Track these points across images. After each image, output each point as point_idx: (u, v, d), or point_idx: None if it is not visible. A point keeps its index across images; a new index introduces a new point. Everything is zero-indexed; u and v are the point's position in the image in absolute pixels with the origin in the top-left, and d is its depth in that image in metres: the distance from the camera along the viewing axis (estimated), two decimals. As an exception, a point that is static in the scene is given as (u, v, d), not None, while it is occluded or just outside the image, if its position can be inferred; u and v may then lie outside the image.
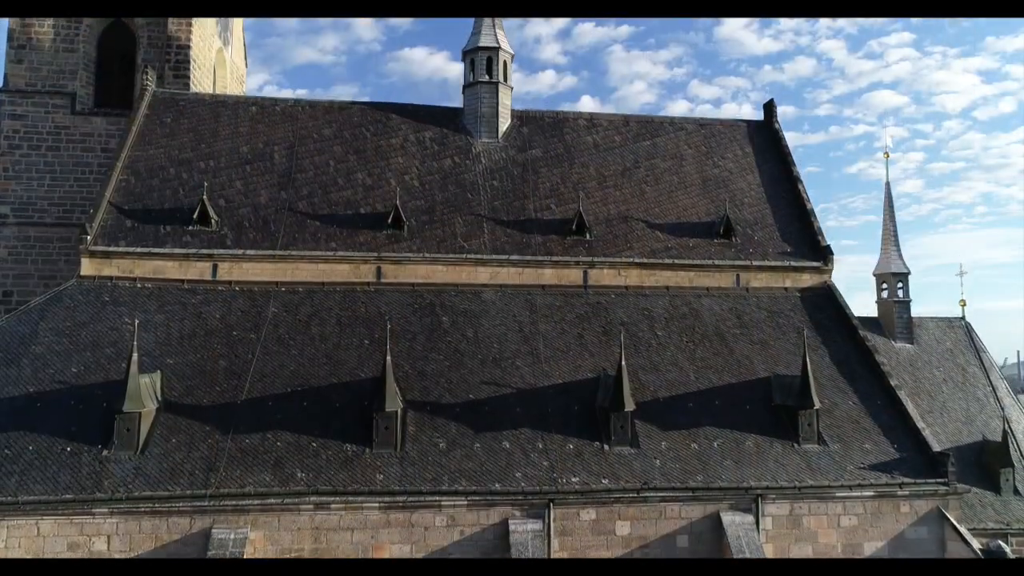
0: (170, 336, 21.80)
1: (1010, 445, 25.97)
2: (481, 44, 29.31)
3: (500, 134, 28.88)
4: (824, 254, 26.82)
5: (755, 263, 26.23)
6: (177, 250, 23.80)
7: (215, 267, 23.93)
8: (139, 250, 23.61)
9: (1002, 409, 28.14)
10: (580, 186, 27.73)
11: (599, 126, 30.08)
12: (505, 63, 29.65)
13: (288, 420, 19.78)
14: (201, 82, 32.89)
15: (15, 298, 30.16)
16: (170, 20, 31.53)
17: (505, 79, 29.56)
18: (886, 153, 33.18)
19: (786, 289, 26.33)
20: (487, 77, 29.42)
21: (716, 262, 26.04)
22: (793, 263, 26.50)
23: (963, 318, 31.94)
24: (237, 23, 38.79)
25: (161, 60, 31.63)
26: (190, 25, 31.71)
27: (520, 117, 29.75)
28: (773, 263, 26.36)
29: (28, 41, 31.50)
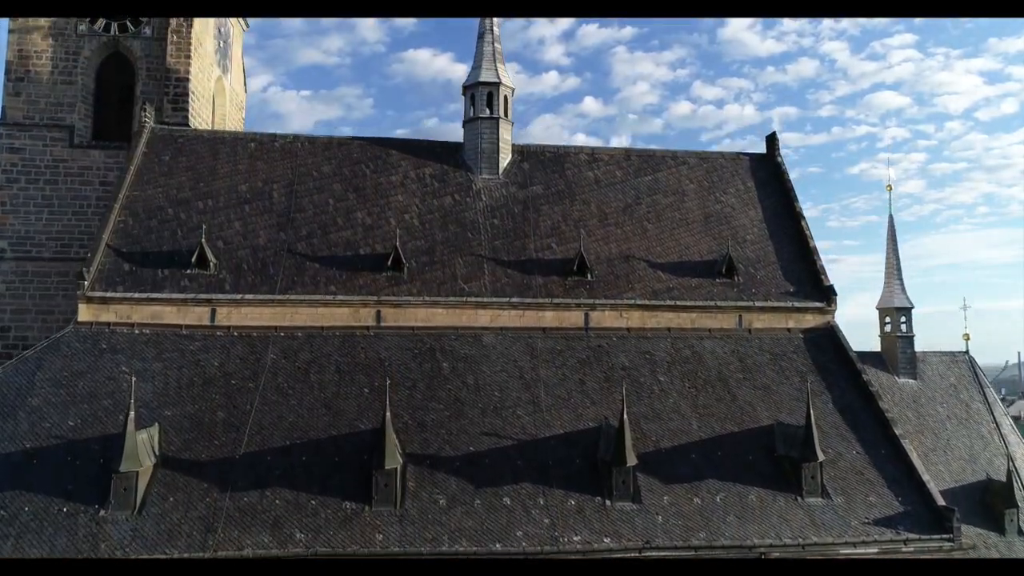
0: (168, 386, 21.61)
1: (1015, 485, 25.79)
2: (482, 79, 29.12)
3: (501, 170, 28.69)
4: (827, 294, 26.64)
5: (757, 304, 26.04)
6: (175, 295, 23.62)
7: (213, 312, 23.75)
8: (137, 295, 23.43)
9: (1006, 447, 27.97)
10: (581, 224, 27.54)
11: (600, 161, 29.89)
12: (506, 98, 29.46)
13: (287, 476, 19.59)
14: (200, 113, 32.71)
15: (12, 333, 30.02)
16: (169, 53, 31.37)
17: (506, 114, 29.38)
18: (889, 186, 32.89)
19: (789, 330, 26.14)
20: (488, 112, 29.24)
21: (718, 303, 25.84)
22: (796, 304, 26.31)
23: (967, 352, 31.75)
24: (236, 50, 38.61)
25: (160, 93, 31.44)
26: (188, 57, 31.52)
27: (521, 152, 29.57)
28: (776, 304, 26.17)
29: (26, 73, 31.32)
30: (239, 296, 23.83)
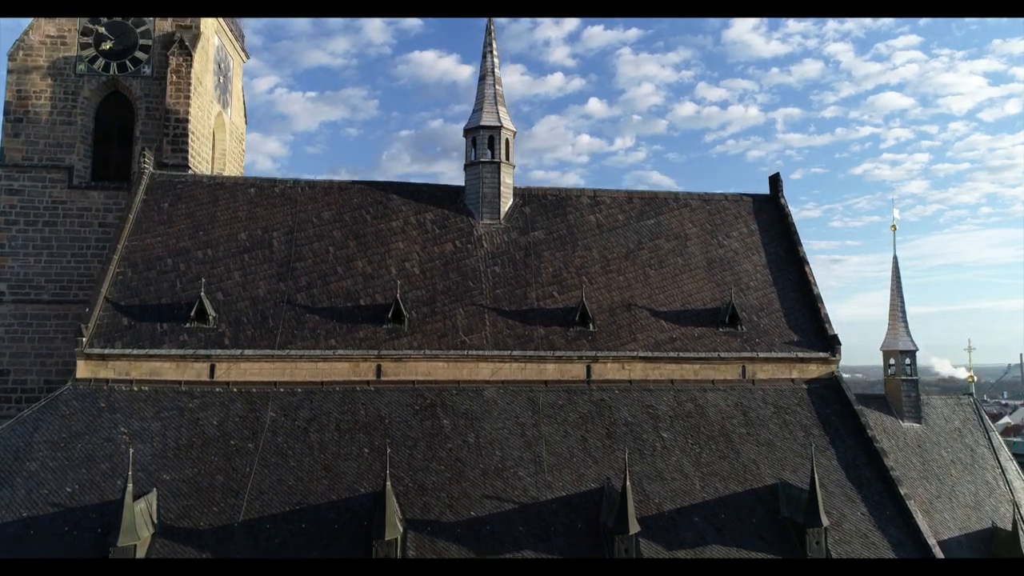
0: (166, 447, 21.43)
1: (1020, 534, 25.57)
2: (483, 123, 28.93)
3: (502, 215, 28.50)
4: (831, 343, 26.42)
5: (761, 355, 25.84)
6: (174, 351, 23.44)
7: (213, 367, 23.58)
8: (135, 352, 23.25)
9: (1012, 493, 27.74)
10: (583, 271, 27.35)
11: (602, 204, 29.69)
12: (507, 141, 29.27)
13: (286, 544, 19.41)
14: (200, 152, 32.54)
15: (11, 377, 29.89)
16: (168, 93, 31.20)
17: (507, 157, 29.20)
18: (894, 226, 32.63)
19: (792, 380, 25.94)
20: (489, 155, 29.06)
21: (721, 354, 25.64)
22: (800, 354, 26.10)
23: (971, 393, 31.53)
24: (236, 83, 38.43)
25: (159, 133, 31.29)
26: (188, 98, 31.35)
27: (522, 195, 29.37)
28: (780, 354, 25.97)
29: (25, 114, 31.19)
30: (238, 352, 23.65)
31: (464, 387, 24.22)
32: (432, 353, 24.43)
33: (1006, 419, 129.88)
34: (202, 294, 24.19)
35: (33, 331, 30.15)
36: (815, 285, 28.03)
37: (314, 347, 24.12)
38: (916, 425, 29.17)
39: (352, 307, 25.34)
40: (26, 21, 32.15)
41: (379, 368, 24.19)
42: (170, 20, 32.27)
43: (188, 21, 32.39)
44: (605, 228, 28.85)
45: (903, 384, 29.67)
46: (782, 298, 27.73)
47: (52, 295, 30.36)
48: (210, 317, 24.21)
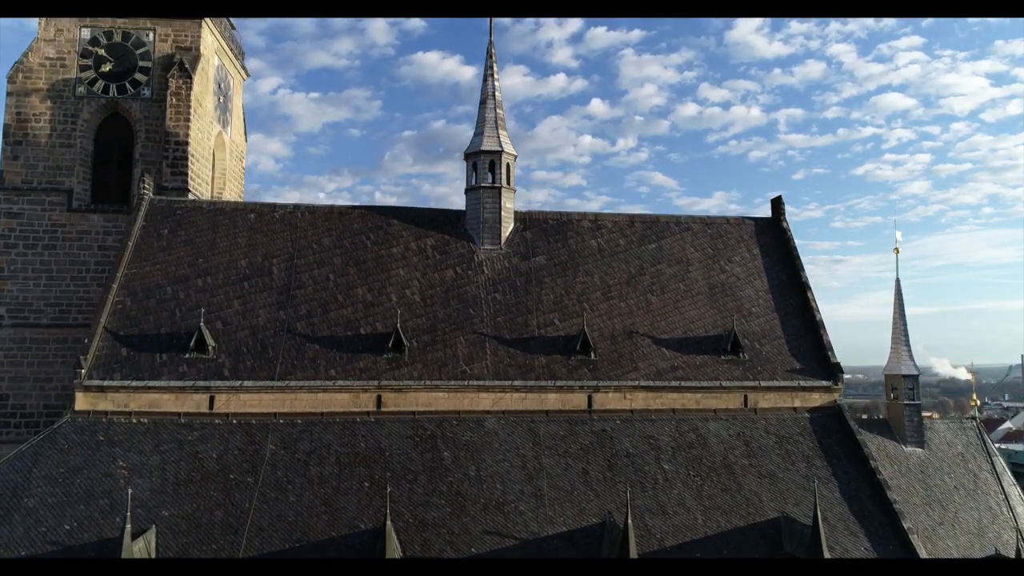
0: (165, 482, 21.31)
1: (1024, 562, 25.42)
2: (484, 148, 28.81)
3: (503, 240, 28.37)
4: (833, 372, 26.29)
5: (763, 384, 25.71)
6: (174, 382, 23.33)
7: (212, 399, 23.47)
8: (134, 384, 23.15)
9: (1015, 519, 27.59)
10: (584, 297, 27.23)
11: (603, 228, 29.56)
12: (508, 165, 29.15)
13: (286, 583, 19.25)
14: (200, 174, 32.43)
15: (11, 402, 29.78)
16: (168, 116, 31.08)
17: (508, 182, 29.09)
18: (896, 249, 32.49)
19: (795, 409, 25.80)
20: (490, 179, 28.95)
21: (723, 383, 25.51)
22: (802, 382, 25.98)
23: (974, 418, 31.39)
24: (236, 101, 38.31)
25: (159, 156, 31.17)
26: (188, 120, 31.24)
27: (523, 220, 29.25)
28: (782, 383, 25.84)
29: (24, 137, 31.08)
30: (238, 383, 23.53)
31: (465, 417, 24.10)
32: (433, 383, 24.31)
33: (1007, 424, 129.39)
34: (201, 324, 24.07)
35: (32, 355, 30.04)
36: (817, 311, 27.89)
37: (314, 377, 24.01)
38: (919, 450, 29.02)
39: (352, 336, 25.21)
40: (25, 43, 32.11)
41: (379, 399, 24.07)
42: (170, 41, 32.17)
43: (188, 42, 32.30)
44: (606, 253, 28.72)
45: (905, 409, 29.53)
46: (784, 324, 27.59)
47: (51, 319, 30.25)
48: (209, 347, 24.10)
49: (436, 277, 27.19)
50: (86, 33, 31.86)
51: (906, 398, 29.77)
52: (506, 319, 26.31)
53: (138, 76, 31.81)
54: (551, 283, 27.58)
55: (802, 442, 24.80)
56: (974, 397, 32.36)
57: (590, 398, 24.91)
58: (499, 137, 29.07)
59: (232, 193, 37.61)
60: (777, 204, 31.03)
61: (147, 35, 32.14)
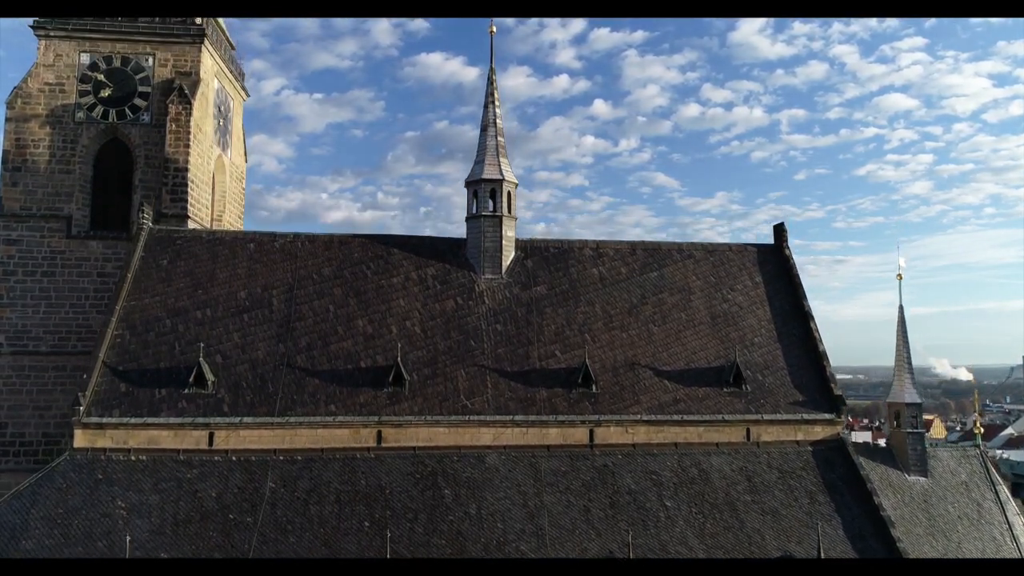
0: (164, 523, 21.17)
1: (1028, 595, 25.25)
2: (484, 176, 28.66)
3: (504, 269, 28.22)
4: (836, 404, 26.14)
5: (766, 417, 25.55)
6: (173, 419, 23.19)
7: (211, 435, 23.32)
8: (133, 420, 23.00)
9: (1019, 550, 27.45)
10: (585, 328, 27.07)
11: (605, 256, 29.40)
12: (509, 193, 29.01)
13: (285, 629, 19.11)
14: (200, 199, 32.29)
15: (10, 430, 29.65)
16: (167, 142, 30.95)
17: (509, 210, 28.94)
18: (899, 275, 32.32)
19: (797, 443, 25.64)
20: (491, 207, 28.80)
21: (726, 417, 25.35)
22: (805, 415, 25.82)
23: (977, 446, 31.24)
24: (236, 122, 38.16)
25: (158, 182, 31.04)
26: (187, 146, 31.10)
27: (524, 248, 29.09)
28: (785, 416, 25.68)
29: (23, 163, 30.94)
30: (237, 419, 23.40)
31: (466, 453, 23.96)
32: (433, 419, 24.16)
33: (1009, 430, 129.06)
34: (201, 359, 23.94)
35: (31, 383, 29.91)
36: (820, 342, 27.73)
37: (314, 413, 23.86)
38: (922, 479, 28.85)
39: (352, 369, 25.07)
40: (24, 68, 31.97)
41: (379, 434, 23.93)
42: (169, 66, 32.04)
43: (188, 67, 32.16)
44: (608, 282, 28.56)
45: (909, 437, 29.38)
46: (787, 355, 27.44)
47: (50, 347, 30.12)
48: (209, 382, 23.96)
49: (437, 308, 27.04)
50: (85, 58, 31.73)
51: (909, 426, 29.61)
52: (507, 351, 26.15)
53: (137, 101, 31.68)
54: (552, 313, 27.42)
55: (805, 477, 24.64)
56: (977, 424, 32.14)
57: (591, 432, 24.76)
58: (500, 165, 28.92)
59: (232, 215, 37.50)
60: (779, 231, 30.85)
61: (146, 60, 32.01)
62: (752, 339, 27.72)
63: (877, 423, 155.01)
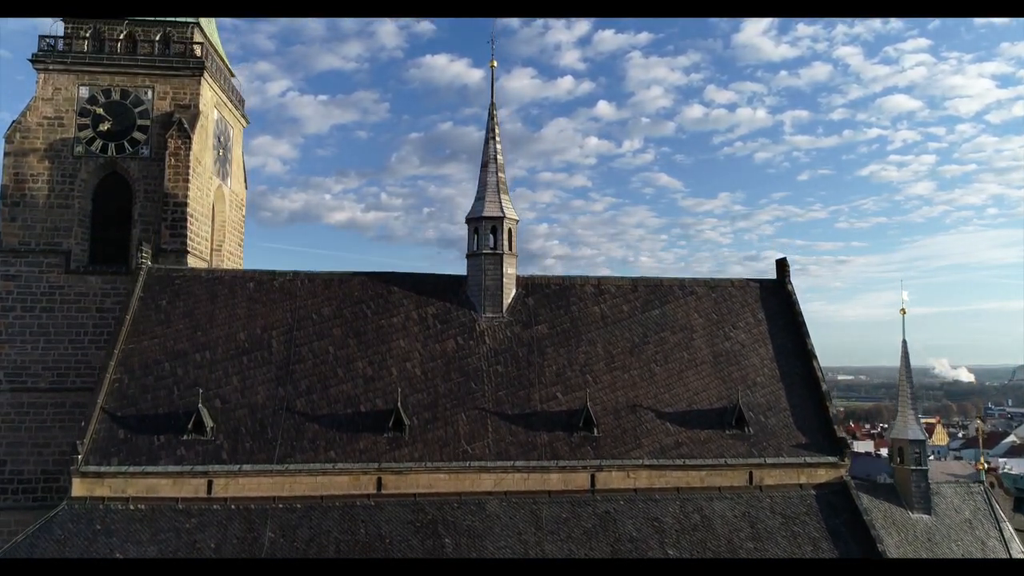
0: (163, 576, 20.99)
1: (1033, 638, 25.04)
2: (485, 213, 28.51)
3: (504, 307, 28.06)
4: (840, 447, 25.96)
5: (769, 460, 25.37)
6: (171, 467, 23.03)
7: (210, 483, 23.15)
8: (132, 469, 22.83)
9: (1023, 590, 27.20)
10: (587, 368, 26.90)
11: (607, 293, 29.22)
12: (510, 230, 28.84)
13: None
14: (199, 232, 32.15)
15: (8, 467, 29.50)
16: (167, 177, 30.79)
17: (510, 247, 28.78)
18: (903, 310, 32.05)
19: (800, 486, 25.47)
20: (492, 244, 28.64)
21: (728, 461, 25.17)
22: (808, 459, 25.64)
23: (981, 482, 31.03)
24: (236, 150, 38.00)
25: (158, 217, 30.89)
26: (187, 181, 30.95)
27: (526, 286, 28.92)
28: (788, 459, 25.51)
29: (22, 197, 30.81)
30: (236, 467, 23.23)
31: (466, 500, 23.79)
32: (434, 465, 23.99)
33: (1012, 437, 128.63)
34: (200, 405, 23.78)
35: (30, 420, 29.76)
36: (823, 381, 27.56)
37: (313, 460, 23.70)
38: (926, 517, 28.66)
39: (352, 414, 24.91)
40: (23, 102, 31.85)
41: (379, 480, 23.77)
42: (168, 99, 31.90)
43: (187, 99, 32.02)
44: (610, 320, 28.38)
45: (912, 474, 29.20)
46: (789, 395, 27.26)
47: (49, 383, 29.97)
48: (208, 428, 23.80)
49: (437, 348, 26.86)
50: (84, 91, 31.60)
51: (913, 463, 29.42)
52: (508, 393, 25.99)
53: (136, 135, 31.54)
54: (553, 353, 27.25)
55: (808, 523, 24.46)
56: (981, 461, 31.94)
57: (593, 477, 24.59)
58: (500, 202, 28.76)
59: (232, 243, 37.36)
60: (782, 266, 30.66)
61: (145, 93, 31.88)
62: (754, 379, 27.54)
63: (879, 429, 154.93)
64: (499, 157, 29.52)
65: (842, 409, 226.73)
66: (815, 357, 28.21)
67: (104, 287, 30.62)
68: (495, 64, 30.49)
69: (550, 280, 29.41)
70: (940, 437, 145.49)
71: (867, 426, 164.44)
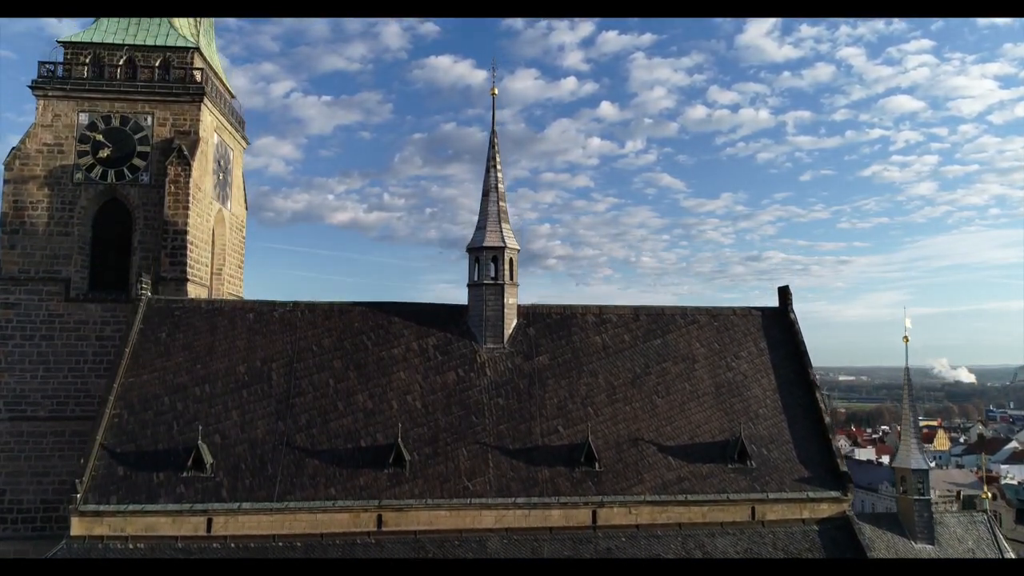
0: (162, 618, 20.87)
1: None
2: (486, 243, 28.37)
3: (505, 338, 27.93)
4: (843, 482, 25.81)
5: (771, 495, 25.22)
6: (171, 505, 22.90)
7: (210, 521, 23.02)
8: (131, 508, 22.70)
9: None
10: (588, 401, 26.76)
11: (608, 323, 29.07)
12: (511, 260, 28.70)
13: None
14: (199, 259, 32.05)
15: (8, 497, 29.44)
16: (167, 204, 30.69)
17: (511, 277, 28.64)
18: (906, 338, 31.87)
19: (803, 521, 25.31)
20: (492, 274, 28.51)
21: (731, 496, 25.03)
22: (811, 494, 25.49)
23: (985, 511, 30.86)
24: (236, 172, 37.90)
25: (157, 244, 30.80)
26: (187, 208, 30.86)
27: (527, 315, 28.79)
28: (790, 494, 25.35)
29: (21, 225, 30.73)
30: (236, 505, 23.10)
31: (467, 537, 23.65)
32: (434, 502, 23.85)
33: (1013, 443, 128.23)
34: (199, 442, 23.66)
35: (30, 449, 29.71)
36: (826, 413, 27.42)
37: (313, 497, 23.57)
38: (929, 547, 28.49)
39: (353, 449, 24.78)
40: (22, 129, 31.74)
41: (380, 518, 23.63)
42: (168, 125, 31.82)
43: (187, 125, 31.93)
44: (611, 351, 28.25)
45: (916, 504, 29.05)
46: (792, 426, 27.11)
47: (49, 412, 29.91)
48: (207, 464, 23.68)
49: (438, 381, 26.73)
50: (84, 118, 31.52)
51: (916, 493, 29.27)
52: (509, 427, 25.85)
53: (136, 161, 31.46)
54: (555, 385, 27.11)
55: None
56: (985, 491, 31.79)
57: (595, 513, 24.44)
58: (502, 232, 28.63)
59: (232, 264, 37.26)
60: (784, 294, 30.50)
61: (145, 119, 31.79)
62: (757, 410, 27.40)
63: (880, 433, 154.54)
64: (500, 186, 29.39)
65: (843, 410, 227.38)
66: (818, 388, 28.07)
67: (104, 315, 30.55)
68: (495, 92, 30.39)
69: (551, 309, 29.26)
70: (942, 442, 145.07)
71: (868, 430, 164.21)
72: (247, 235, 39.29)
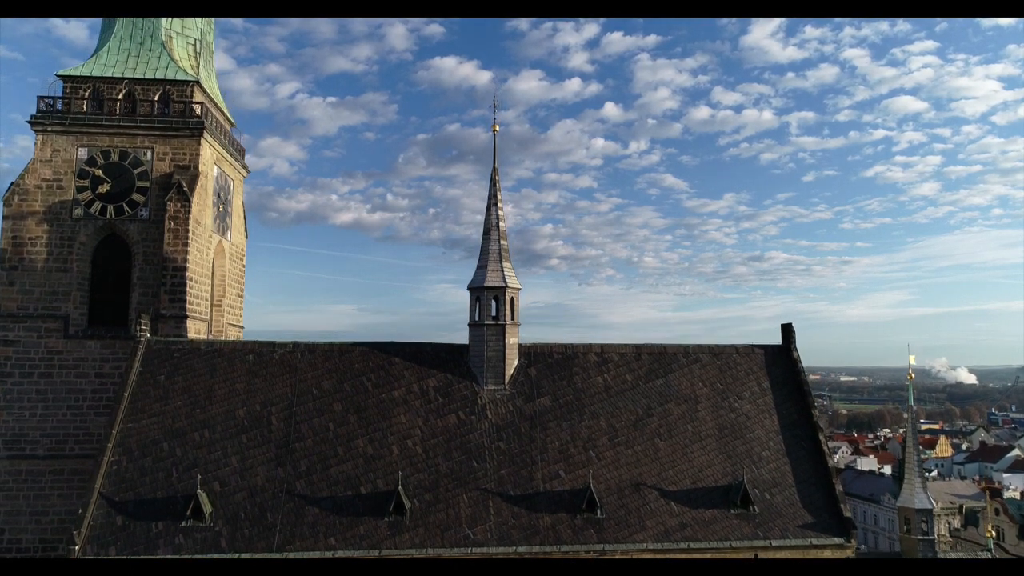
0: (161, 675, 20.72)
1: None
2: (487, 283, 28.20)
3: (507, 379, 27.75)
4: (846, 528, 25.59)
5: (774, 542, 25.00)
6: (170, 557, 22.71)
7: (209, 572, 22.83)
8: (130, 559, 22.51)
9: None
10: (590, 444, 26.58)
11: (610, 362, 28.89)
12: (512, 299, 28.52)
13: None
14: (199, 294, 31.88)
15: (7, 535, 29.29)
16: (166, 241, 30.51)
17: (512, 316, 28.46)
18: (910, 375, 31.77)
19: (806, 568, 25.04)
20: (493, 314, 28.33)
21: (733, 544, 24.82)
22: (814, 540, 25.26)
23: (989, 549, 30.71)
24: (237, 201, 37.72)
25: (157, 281, 30.63)
26: (186, 244, 30.68)
27: (528, 355, 28.61)
28: (793, 541, 25.12)
29: (20, 262, 30.57)
30: (235, 556, 22.91)
31: (468, 587, 23.43)
32: (435, 552, 23.68)
33: (1016, 452, 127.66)
34: (198, 491, 23.50)
35: (28, 487, 29.55)
36: (830, 456, 27.22)
37: (313, 547, 23.39)
38: (933, 588, 28.29)
39: (353, 496, 24.61)
40: (21, 164, 31.59)
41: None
42: (168, 160, 31.65)
43: (187, 160, 31.76)
44: (613, 391, 28.06)
45: (919, 544, 29.01)
46: (795, 469, 26.90)
47: (48, 450, 29.75)
48: (206, 514, 23.52)
49: (439, 424, 26.56)
50: (83, 153, 31.36)
51: (920, 533, 29.20)
52: (510, 472, 25.67)
53: (136, 196, 31.29)
54: (556, 428, 26.93)
55: (814, 609, 24.05)
56: (988, 528, 31.60)
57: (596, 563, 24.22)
58: (503, 271, 28.44)
59: (232, 294, 37.09)
60: (787, 332, 30.30)
61: (145, 154, 31.62)
62: (760, 453, 27.19)
63: (882, 438, 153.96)
64: (501, 224, 29.21)
65: (845, 412, 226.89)
66: (821, 430, 27.84)
67: (103, 352, 30.38)
68: (497, 128, 30.21)
69: (552, 349, 29.07)
70: (944, 449, 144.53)
71: (870, 435, 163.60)
72: (248, 242, 39.13)
